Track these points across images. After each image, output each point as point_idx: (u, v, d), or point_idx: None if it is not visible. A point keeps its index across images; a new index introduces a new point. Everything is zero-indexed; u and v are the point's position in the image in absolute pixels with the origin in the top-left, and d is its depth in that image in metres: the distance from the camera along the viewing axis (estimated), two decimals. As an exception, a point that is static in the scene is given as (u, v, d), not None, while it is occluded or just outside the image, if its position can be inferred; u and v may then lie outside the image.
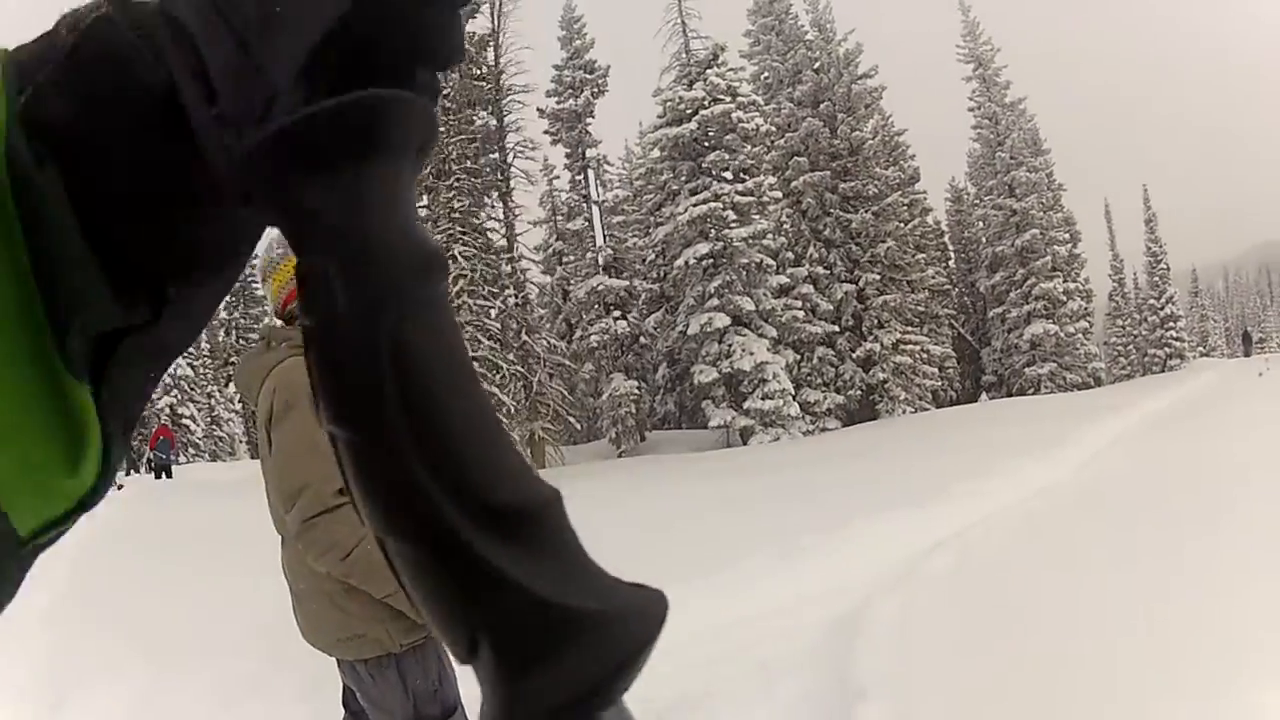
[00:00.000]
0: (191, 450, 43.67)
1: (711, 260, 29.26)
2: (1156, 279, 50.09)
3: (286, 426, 2.63)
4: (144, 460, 26.34)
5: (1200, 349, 66.09)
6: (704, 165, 30.02)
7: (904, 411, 34.02)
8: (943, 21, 49.62)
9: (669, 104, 30.32)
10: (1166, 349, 48.39)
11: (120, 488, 21.94)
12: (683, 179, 30.18)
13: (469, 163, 26.46)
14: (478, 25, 28.28)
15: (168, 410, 42.86)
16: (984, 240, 44.80)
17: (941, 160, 49.98)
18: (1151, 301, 49.65)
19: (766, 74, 37.20)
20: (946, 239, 47.84)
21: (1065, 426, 18.24)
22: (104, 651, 6.16)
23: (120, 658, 6.00)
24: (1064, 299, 40.36)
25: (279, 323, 2.92)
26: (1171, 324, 48.78)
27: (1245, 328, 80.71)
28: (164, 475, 25.04)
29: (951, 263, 47.44)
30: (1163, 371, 46.10)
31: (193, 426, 44.60)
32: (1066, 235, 42.52)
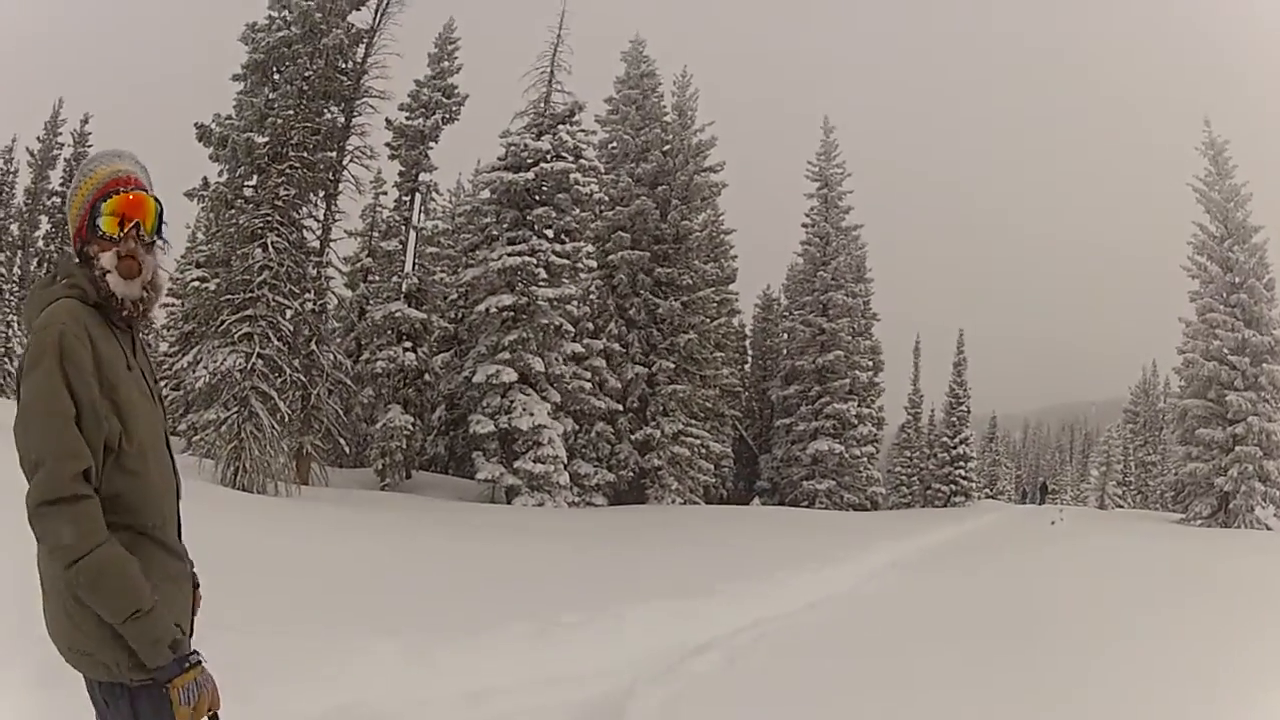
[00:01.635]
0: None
1: (513, 313, 28.82)
2: (955, 419, 52.14)
3: (32, 382, 2.26)
4: None
5: (987, 490, 69.87)
6: (529, 218, 29.67)
7: (673, 501, 34.31)
8: (803, 134, 51.18)
9: (513, 148, 29.88)
10: (953, 485, 50.38)
11: None
12: (505, 226, 29.73)
13: (306, 153, 25.33)
14: (358, 19, 27.24)
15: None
16: (785, 352, 46.00)
17: (760, 266, 51.30)
18: (945, 439, 51.67)
19: (615, 144, 37.25)
20: (748, 343, 48.95)
21: (841, 542, 18.61)
22: None
23: None
24: (855, 421, 41.72)
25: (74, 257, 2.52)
26: (962, 463, 50.82)
27: (1043, 479, 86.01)
28: None
29: (748, 366, 48.49)
30: (945, 506, 48.18)
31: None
32: (870, 363, 44.24)
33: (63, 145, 49.26)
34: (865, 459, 42.41)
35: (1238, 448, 33.29)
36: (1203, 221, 36.35)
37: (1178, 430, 37.27)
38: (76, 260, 2.49)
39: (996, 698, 5.47)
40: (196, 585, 2.70)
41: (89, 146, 48.91)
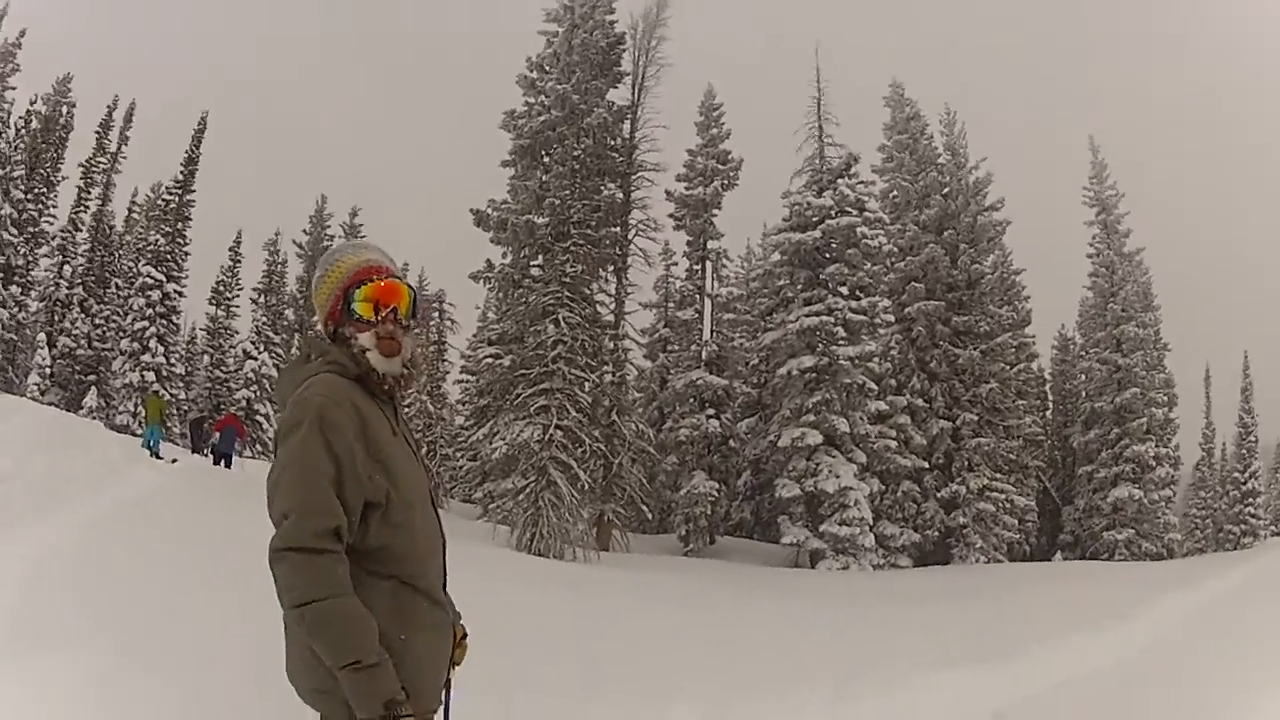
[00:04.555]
0: (259, 447, 43.32)
1: (815, 374, 28.35)
2: (1244, 451, 48.08)
3: (289, 445, 2.40)
4: (209, 444, 26.23)
5: (1273, 527, 63.70)
6: (822, 276, 29.23)
7: (978, 559, 32.74)
8: (1070, 157, 48.56)
9: (796, 208, 29.65)
10: (1242, 525, 46.33)
11: (175, 461, 21.44)
12: (799, 287, 29.41)
13: (590, 230, 25.98)
14: (617, 96, 27.95)
15: (245, 404, 42.73)
16: (1084, 394, 43.32)
17: (1052, 304, 48.58)
18: (1235, 474, 47.68)
19: (895, 193, 36.44)
20: (1048, 388, 46.45)
21: (1143, 595, 17.19)
22: (68, 621, 5.57)
23: (85, 632, 5.37)
24: (1153, 464, 38.57)
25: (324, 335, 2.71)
26: (1251, 499, 46.78)
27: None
28: (223, 463, 24.53)
29: (1049, 413, 45.96)
30: (1235, 549, 43.84)
31: (265, 425, 44.24)
32: (1165, 397, 40.99)
33: (332, 237, 52.85)
34: (1163, 503, 39.16)
35: None
36: None
37: None
38: (330, 340, 2.64)
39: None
40: (463, 637, 2.81)
41: (362, 238, 52.10)
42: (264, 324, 45.10)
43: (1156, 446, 39.02)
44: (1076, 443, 41.83)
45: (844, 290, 29.45)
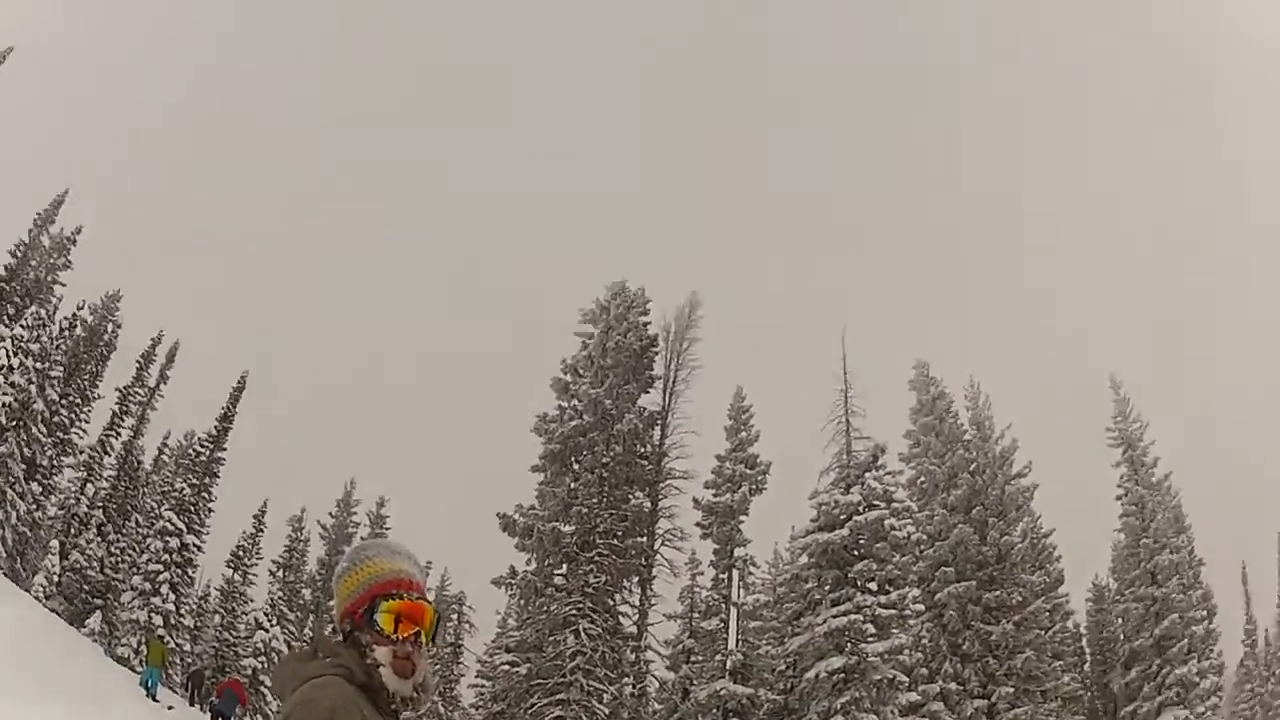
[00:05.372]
0: (260, 718, 42.79)
1: (843, 675, 27.92)
2: None
3: None
4: (207, 701, 26.00)
5: None
6: (850, 574, 29.02)
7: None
8: (1091, 398, 48.68)
9: (824, 508, 29.66)
10: None
11: (171, 708, 21.28)
12: (827, 588, 29.18)
13: (616, 540, 26.04)
14: (649, 400, 28.21)
15: (251, 672, 42.35)
16: (1122, 636, 42.60)
17: (1083, 555, 48.12)
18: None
19: (923, 478, 36.67)
20: (1084, 641, 45.65)
21: None
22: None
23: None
24: (1197, 679, 37.64)
25: (336, 634, 2.66)
26: None
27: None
28: None
29: (1087, 665, 45.00)
30: None
31: (269, 697, 43.79)
32: (1204, 612, 40.23)
33: (358, 525, 53.14)
34: (1209, 712, 37.87)
35: None
36: None
37: None
38: (341, 640, 2.58)
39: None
40: None
41: (386, 529, 52.66)
42: (279, 598, 45.15)
43: (1199, 661, 38.26)
44: (1116, 686, 40.97)
45: (873, 586, 29.19)
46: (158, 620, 38.19)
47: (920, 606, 31.04)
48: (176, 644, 38.51)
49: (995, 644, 33.61)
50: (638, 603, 27.09)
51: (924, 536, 33.36)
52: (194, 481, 41.65)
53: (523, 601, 27.90)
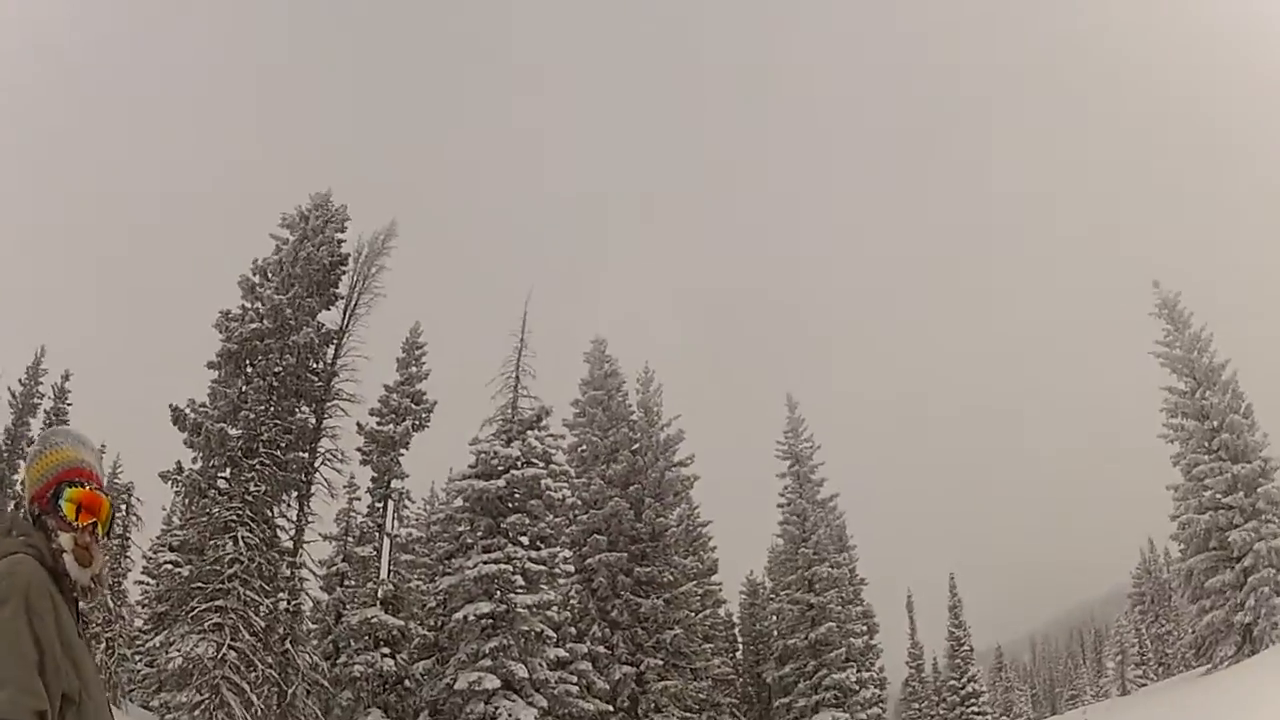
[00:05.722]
0: None
1: (491, 620, 28.67)
2: (959, 660, 51.67)
3: None
4: None
5: (1005, 718, 67.57)
6: (503, 525, 29.98)
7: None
8: (766, 413, 52.73)
9: (483, 456, 30.57)
10: None
11: None
12: (479, 534, 30.02)
13: (278, 452, 26.10)
14: (328, 318, 28.49)
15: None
16: (776, 633, 45.42)
17: (741, 551, 51.37)
18: (952, 682, 50.96)
19: (584, 447, 38.19)
20: (737, 631, 48.41)
21: None
22: None
23: None
24: (856, 688, 40.32)
25: (24, 515, 2.79)
26: (974, 700, 49.75)
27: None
28: None
29: (739, 654, 47.77)
30: None
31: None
32: (864, 627, 43.71)
33: (43, 396, 50.52)
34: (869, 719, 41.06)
35: (1250, 578, 33.27)
36: (1170, 384, 37.80)
37: (1186, 591, 37.49)
38: (31, 522, 2.73)
39: None
40: None
41: (68, 404, 50.44)
42: None
43: (859, 671, 41.16)
44: (770, 678, 43.56)
45: (524, 540, 30.24)
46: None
47: (570, 568, 32.17)
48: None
49: (645, 616, 35.19)
50: (294, 518, 27.13)
51: (579, 502, 34.72)
52: None
53: (187, 501, 27.20)
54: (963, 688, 50.28)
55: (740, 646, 48.60)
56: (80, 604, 2.77)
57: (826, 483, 46.29)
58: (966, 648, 52.19)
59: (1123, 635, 66.89)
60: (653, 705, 34.44)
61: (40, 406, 51.24)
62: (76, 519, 2.71)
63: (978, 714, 49.77)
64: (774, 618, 46.61)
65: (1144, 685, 57.34)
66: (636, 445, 37.93)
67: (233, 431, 25.57)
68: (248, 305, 27.66)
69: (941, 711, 51.06)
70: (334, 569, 31.52)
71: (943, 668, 54.32)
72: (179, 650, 22.46)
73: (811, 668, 41.13)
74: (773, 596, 46.83)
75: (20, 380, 51.17)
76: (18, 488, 27.19)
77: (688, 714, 35.30)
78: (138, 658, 31.68)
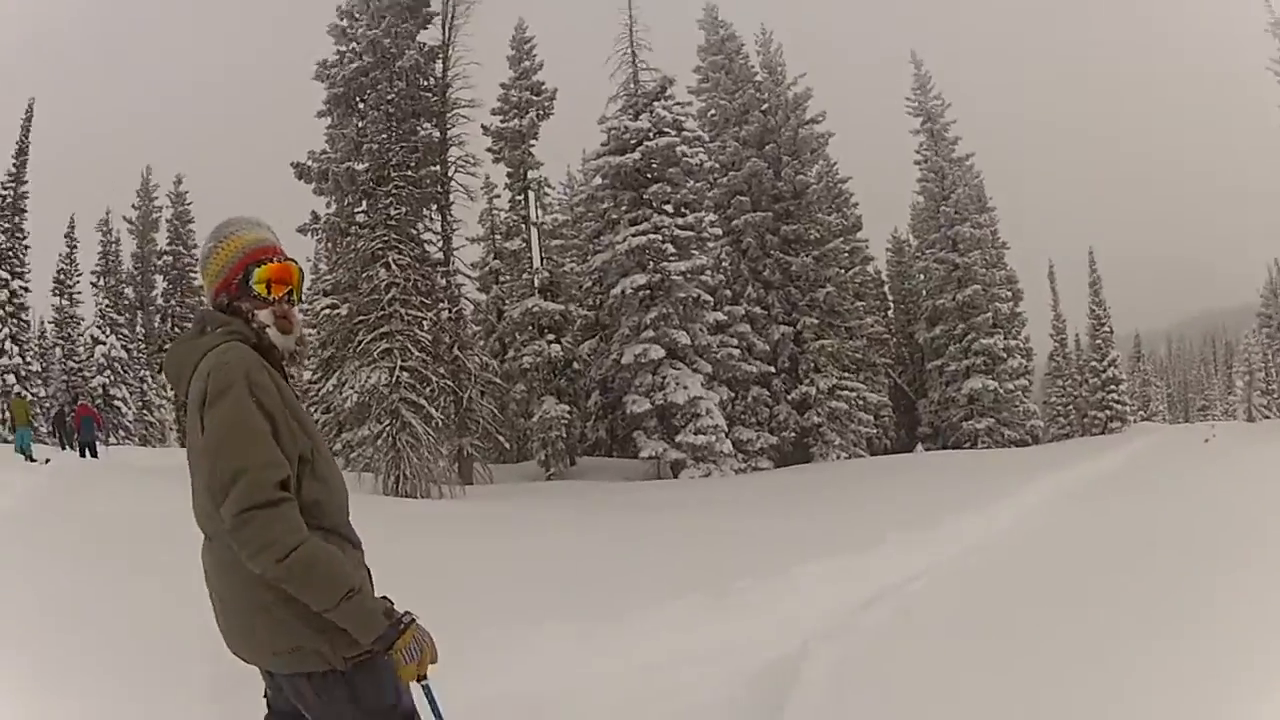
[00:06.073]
0: (122, 432, 42.87)
1: (649, 291, 29.24)
2: (1099, 341, 49.98)
3: (221, 409, 2.45)
4: (74, 438, 25.82)
5: (1142, 413, 66.91)
6: (645, 196, 30.06)
7: (838, 456, 33.95)
8: (894, 74, 50.39)
9: (614, 132, 30.41)
10: (1108, 411, 48.05)
11: (48, 461, 21.18)
12: (623, 208, 30.19)
13: (409, 172, 26.34)
14: (428, 36, 28.17)
15: (100, 390, 42.42)
16: (924, 293, 45.40)
17: (884, 212, 50.48)
18: (1094, 363, 49.52)
19: (713, 111, 37.46)
20: (886, 289, 48.50)
21: (1004, 482, 18.03)
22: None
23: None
24: (1004, 355, 40.62)
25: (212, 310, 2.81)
26: (1114, 386, 48.53)
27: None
28: (88, 453, 24.51)
29: (890, 313, 48.01)
30: (1103, 433, 46.13)
31: (124, 409, 43.81)
32: (1009, 293, 43.04)
33: (161, 208, 52.90)
34: (1020, 392, 41.23)
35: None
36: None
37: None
38: (224, 312, 2.74)
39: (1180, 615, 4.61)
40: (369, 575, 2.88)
41: (189, 205, 52.94)
42: (106, 306, 45.11)
43: (1005, 339, 41.10)
44: (922, 339, 43.84)
45: (669, 208, 30.38)
46: (10, 380, 37.08)
47: (718, 231, 32.18)
48: (33, 395, 37.31)
49: (796, 274, 35.41)
50: (440, 230, 27.67)
51: (716, 165, 34.34)
52: (5, 225, 40.08)
53: (330, 244, 28.18)
54: (1104, 370, 48.70)
55: (891, 305, 48.61)
56: (288, 369, 2.81)
57: (961, 141, 44.67)
58: (1107, 329, 50.20)
59: (1250, 354, 64.29)
60: (812, 365, 35.08)
61: (160, 219, 53.09)
62: (269, 293, 2.74)
63: (1117, 402, 48.53)
64: (921, 276, 46.46)
65: (1268, 418, 55.47)
66: (766, 105, 36.94)
67: (359, 166, 25.80)
68: (343, 49, 27.41)
69: (1085, 394, 50.01)
70: (487, 268, 32.35)
71: (1084, 346, 52.90)
72: (352, 387, 23.26)
73: (960, 330, 41.22)
74: (918, 255, 46.32)
75: (134, 205, 52.87)
76: (200, 295, 27.92)
77: (846, 373, 35.85)
78: (312, 409, 33.74)
